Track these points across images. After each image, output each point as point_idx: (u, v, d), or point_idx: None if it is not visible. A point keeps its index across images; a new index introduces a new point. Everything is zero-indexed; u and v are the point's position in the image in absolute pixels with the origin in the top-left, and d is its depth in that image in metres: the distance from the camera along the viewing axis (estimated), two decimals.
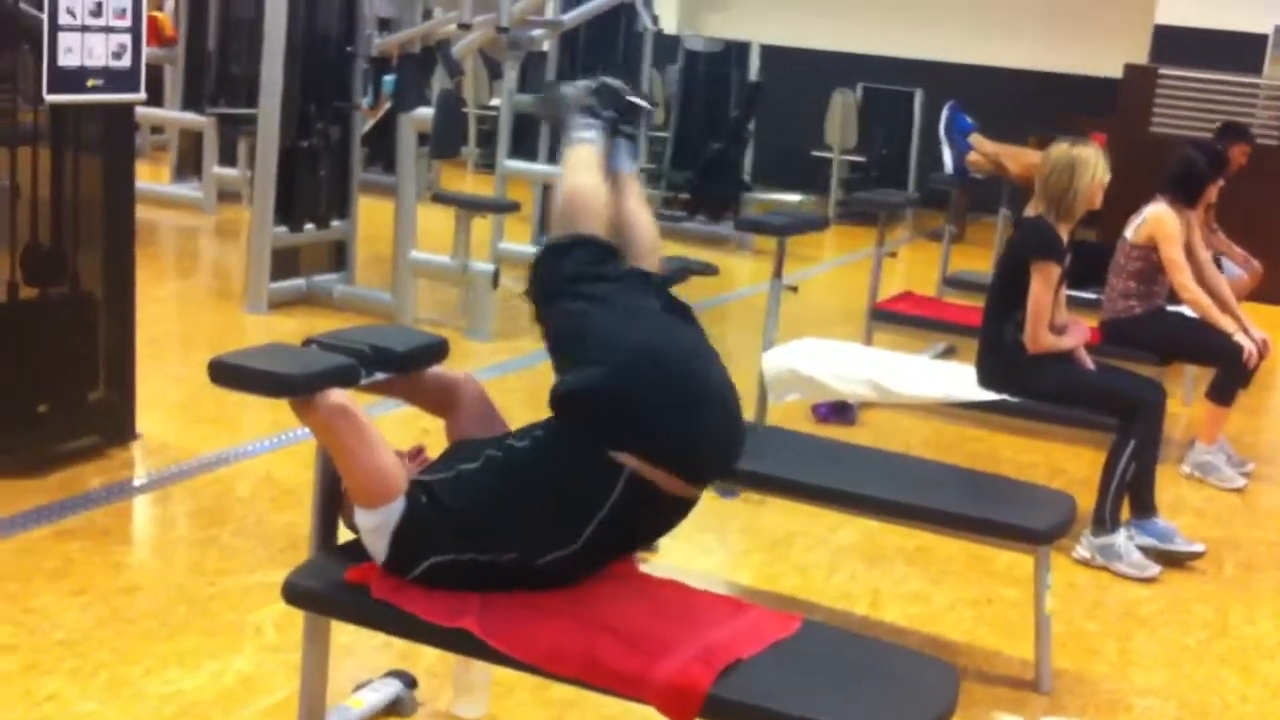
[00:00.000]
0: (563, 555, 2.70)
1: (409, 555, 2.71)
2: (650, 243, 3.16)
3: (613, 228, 3.07)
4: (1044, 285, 4.61)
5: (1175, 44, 11.44)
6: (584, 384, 2.71)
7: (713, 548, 4.55)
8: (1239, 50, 11.25)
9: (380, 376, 2.94)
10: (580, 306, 2.82)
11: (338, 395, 2.72)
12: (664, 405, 2.69)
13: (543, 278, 2.96)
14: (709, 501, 4.80)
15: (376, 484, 2.72)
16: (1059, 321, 4.79)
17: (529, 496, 2.69)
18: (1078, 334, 4.81)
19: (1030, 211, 4.77)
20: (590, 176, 3.08)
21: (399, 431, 3.36)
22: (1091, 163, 4.60)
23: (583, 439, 2.67)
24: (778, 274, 5.24)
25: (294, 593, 2.81)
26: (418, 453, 2.91)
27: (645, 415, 2.68)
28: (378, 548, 2.73)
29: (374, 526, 2.72)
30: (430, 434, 3.02)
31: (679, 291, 3.09)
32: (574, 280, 2.88)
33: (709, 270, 4.76)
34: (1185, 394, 6.88)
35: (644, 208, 3.25)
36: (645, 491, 2.68)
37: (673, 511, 2.83)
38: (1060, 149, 4.64)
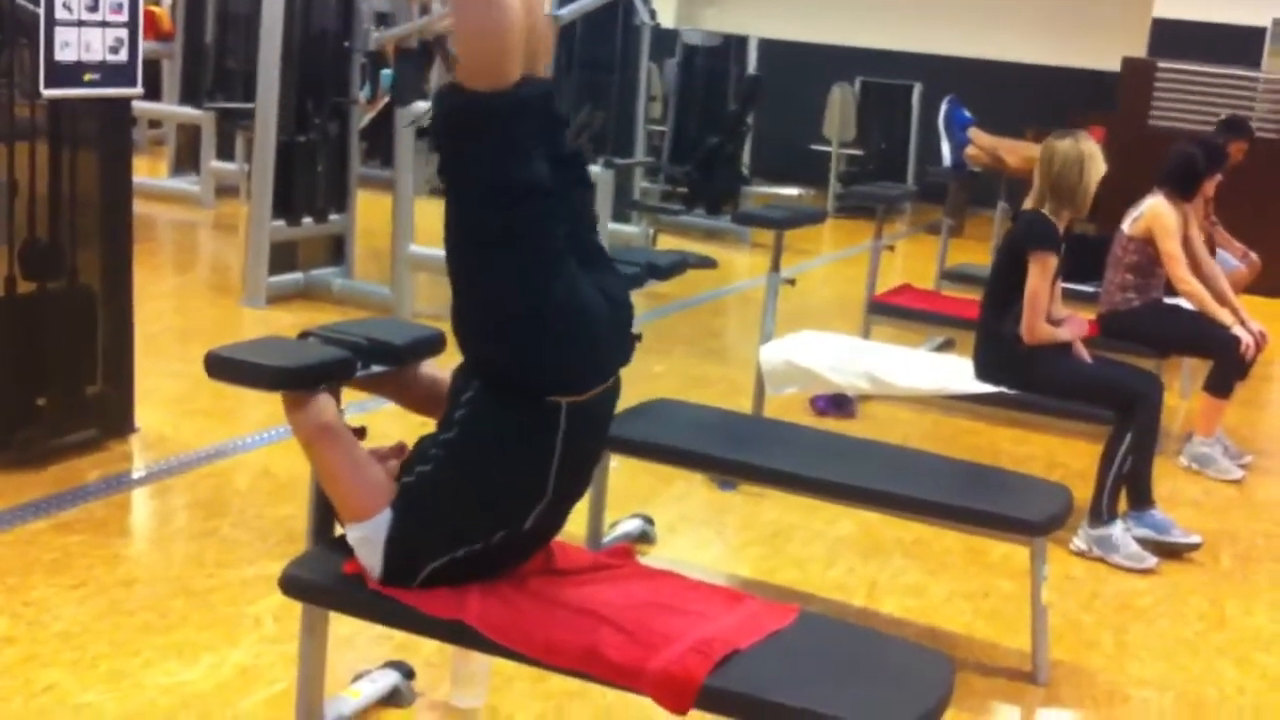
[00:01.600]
0: (543, 508, 2.71)
1: (405, 566, 2.71)
2: (548, 42, 2.82)
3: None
4: (1041, 276, 4.62)
5: (1173, 37, 11.44)
6: (507, 349, 2.63)
7: (711, 540, 4.56)
8: (1237, 43, 11.24)
9: (377, 369, 2.94)
10: (520, 229, 2.55)
11: (325, 413, 2.73)
12: (582, 353, 2.67)
13: (487, 148, 2.55)
14: (707, 494, 4.85)
15: (359, 500, 2.72)
16: (1055, 315, 4.79)
17: (489, 477, 2.66)
18: (1076, 327, 4.81)
19: (1028, 205, 4.78)
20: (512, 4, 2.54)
21: (395, 425, 3.36)
22: (1099, 157, 4.64)
23: (510, 403, 2.64)
24: (775, 267, 5.25)
25: (291, 584, 2.81)
26: (401, 450, 2.90)
27: (566, 364, 2.66)
28: (372, 562, 2.72)
29: (365, 538, 2.72)
30: (427, 426, 3.02)
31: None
32: (524, 192, 2.55)
33: (707, 264, 4.77)
34: (1183, 386, 6.89)
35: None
36: (583, 412, 2.68)
37: (610, 402, 2.83)
38: (1065, 144, 4.63)
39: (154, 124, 11.73)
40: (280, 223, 7.18)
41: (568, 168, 2.70)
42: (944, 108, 7.56)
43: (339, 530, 2.91)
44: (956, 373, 5.00)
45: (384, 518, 2.70)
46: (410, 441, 2.87)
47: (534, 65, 2.68)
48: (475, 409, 2.66)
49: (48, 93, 4.36)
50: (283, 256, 7.27)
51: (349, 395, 2.88)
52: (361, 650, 3.42)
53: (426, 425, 2.87)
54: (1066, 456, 5.65)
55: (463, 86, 2.55)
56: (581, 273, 2.64)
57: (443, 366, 3.02)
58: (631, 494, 4.65)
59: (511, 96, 2.53)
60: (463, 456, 2.67)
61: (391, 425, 3.41)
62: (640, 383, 5.46)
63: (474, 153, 2.56)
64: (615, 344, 2.77)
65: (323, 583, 2.80)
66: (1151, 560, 4.58)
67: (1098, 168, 4.63)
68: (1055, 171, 4.64)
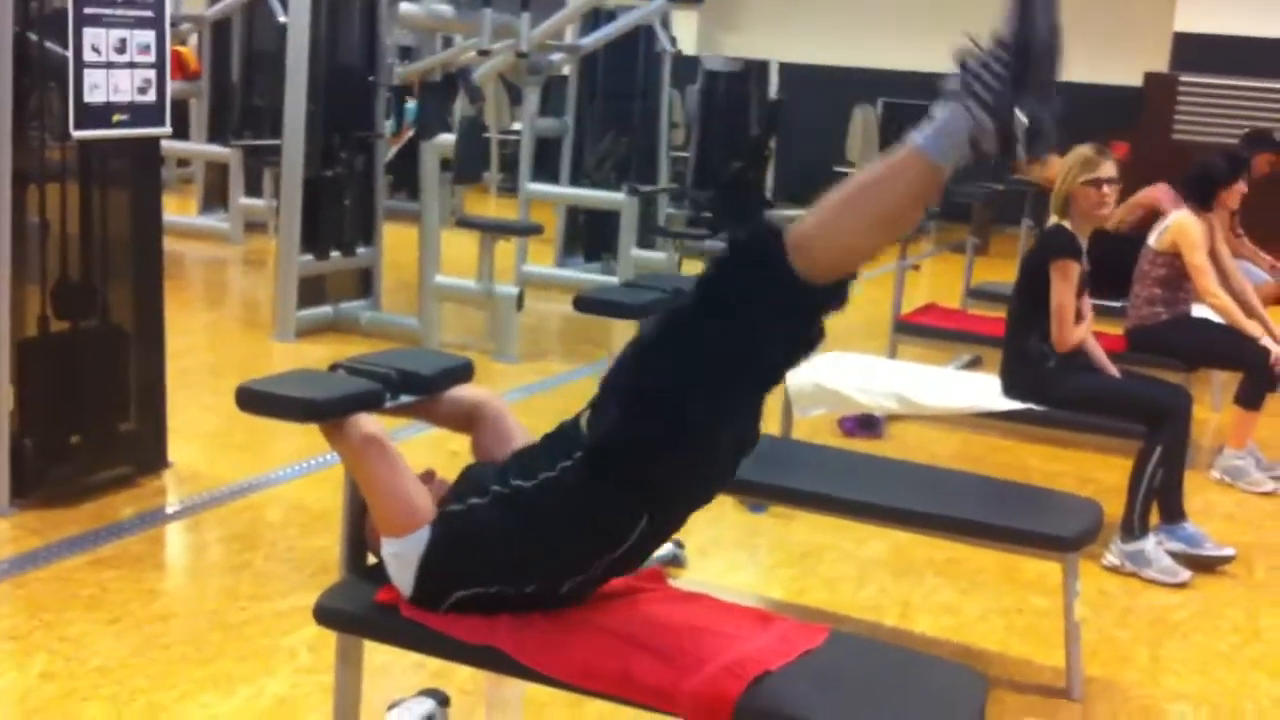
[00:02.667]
0: (582, 580, 2.71)
1: (435, 589, 2.72)
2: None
3: None
4: (1064, 283, 4.64)
5: (1195, 51, 11.43)
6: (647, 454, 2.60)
7: (742, 563, 4.57)
8: (1260, 56, 11.21)
9: (406, 399, 2.97)
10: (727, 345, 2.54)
11: (368, 424, 2.75)
12: (697, 489, 2.73)
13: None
14: (737, 516, 4.85)
15: (403, 513, 2.73)
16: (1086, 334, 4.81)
17: (545, 541, 2.66)
18: (1084, 309, 4.84)
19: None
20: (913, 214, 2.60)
21: (427, 454, 3.39)
22: (1069, 163, 4.74)
23: (602, 492, 2.62)
24: None
25: (325, 614, 2.84)
26: (430, 477, 2.92)
27: (681, 485, 2.68)
28: (404, 579, 2.73)
29: (399, 555, 2.73)
30: (459, 455, 3.04)
31: None
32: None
33: None
34: (1214, 399, 6.86)
35: None
36: (664, 522, 2.72)
37: (685, 519, 2.83)
38: (1070, 154, 4.78)
39: (182, 162, 11.84)
40: (308, 257, 7.23)
41: None
42: None
43: (371, 560, 2.93)
44: (984, 390, 4.99)
45: (422, 535, 2.71)
46: (440, 469, 2.90)
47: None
48: (565, 478, 2.64)
49: (77, 134, 4.42)
50: (311, 290, 7.33)
51: (387, 422, 2.90)
52: (396, 679, 3.44)
53: (458, 453, 2.89)
54: (1097, 472, 5.63)
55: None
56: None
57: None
58: None
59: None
60: (529, 512, 2.66)
61: (425, 454, 3.44)
62: None
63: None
64: (718, 485, 2.81)
65: (356, 612, 2.81)
66: (1185, 574, 4.56)
67: (1071, 171, 4.74)
68: (1062, 180, 4.73)
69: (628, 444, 2.58)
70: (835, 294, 2.47)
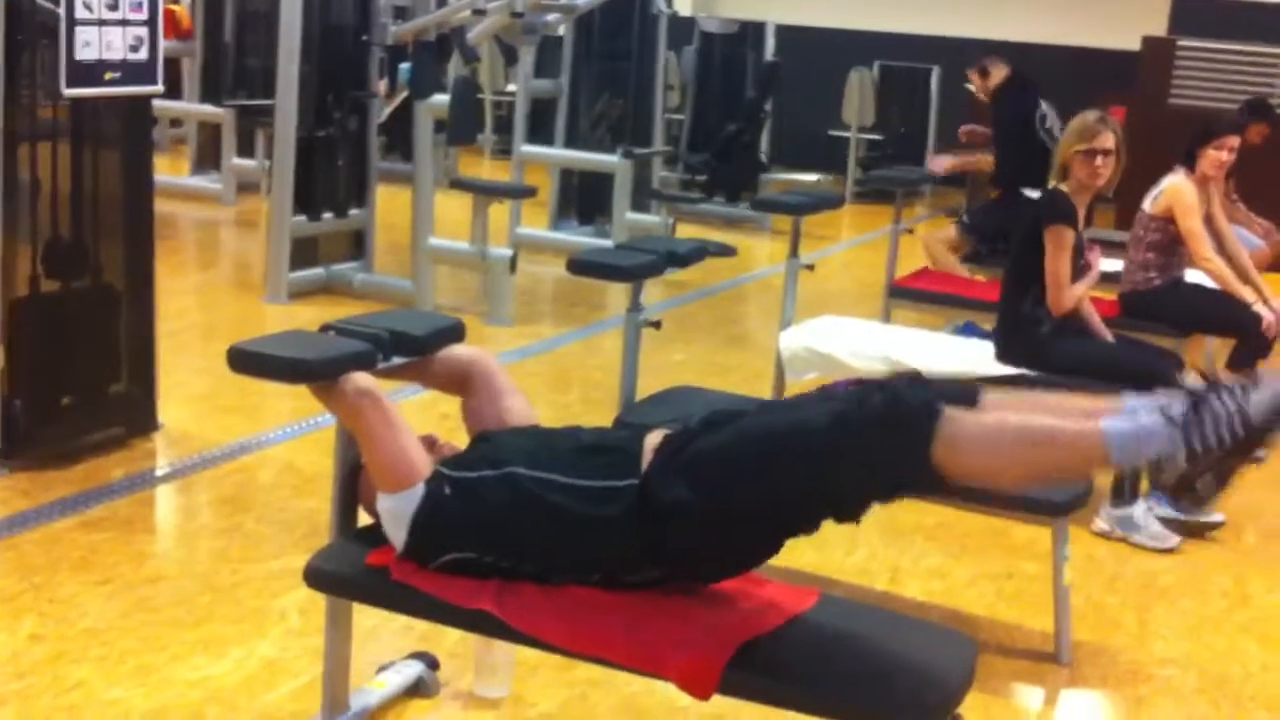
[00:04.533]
0: (578, 579, 2.69)
1: (428, 545, 2.72)
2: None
3: None
4: (1058, 249, 4.64)
5: (1194, 15, 11.36)
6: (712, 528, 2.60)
7: None
8: (1260, 20, 11.16)
9: (398, 361, 2.96)
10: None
11: (363, 379, 2.75)
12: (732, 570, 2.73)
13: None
14: None
15: (400, 468, 2.73)
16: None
17: (556, 541, 2.66)
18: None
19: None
20: None
21: (418, 417, 3.39)
22: (1073, 128, 4.73)
23: (635, 525, 2.59)
24: (794, 253, 5.26)
25: (315, 577, 2.84)
26: (431, 443, 2.92)
27: (711, 571, 2.71)
28: (397, 534, 2.74)
29: (394, 510, 2.73)
30: (450, 418, 3.04)
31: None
32: None
33: (727, 251, 4.79)
34: (1207, 365, 6.86)
35: None
36: (673, 579, 2.71)
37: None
38: (1074, 120, 4.75)
39: (175, 122, 11.77)
40: (301, 218, 7.21)
41: None
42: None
43: (362, 523, 2.93)
44: (977, 355, 4.99)
45: (417, 492, 2.71)
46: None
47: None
48: (599, 496, 2.62)
49: (69, 92, 4.39)
50: (304, 252, 7.30)
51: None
52: (386, 642, 3.44)
53: (449, 416, 2.88)
54: None
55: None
56: None
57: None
58: None
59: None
60: (546, 506, 2.64)
61: (415, 417, 3.43)
62: (661, 370, 5.48)
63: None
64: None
65: (346, 575, 2.82)
66: (1174, 539, 4.57)
67: (1072, 137, 4.75)
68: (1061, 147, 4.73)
69: (687, 524, 2.57)
70: (939, 486, 2.50)
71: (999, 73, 7.22)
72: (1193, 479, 2.42)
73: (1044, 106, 7.09)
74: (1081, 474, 2.40)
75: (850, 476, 2.48)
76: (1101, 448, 2.36)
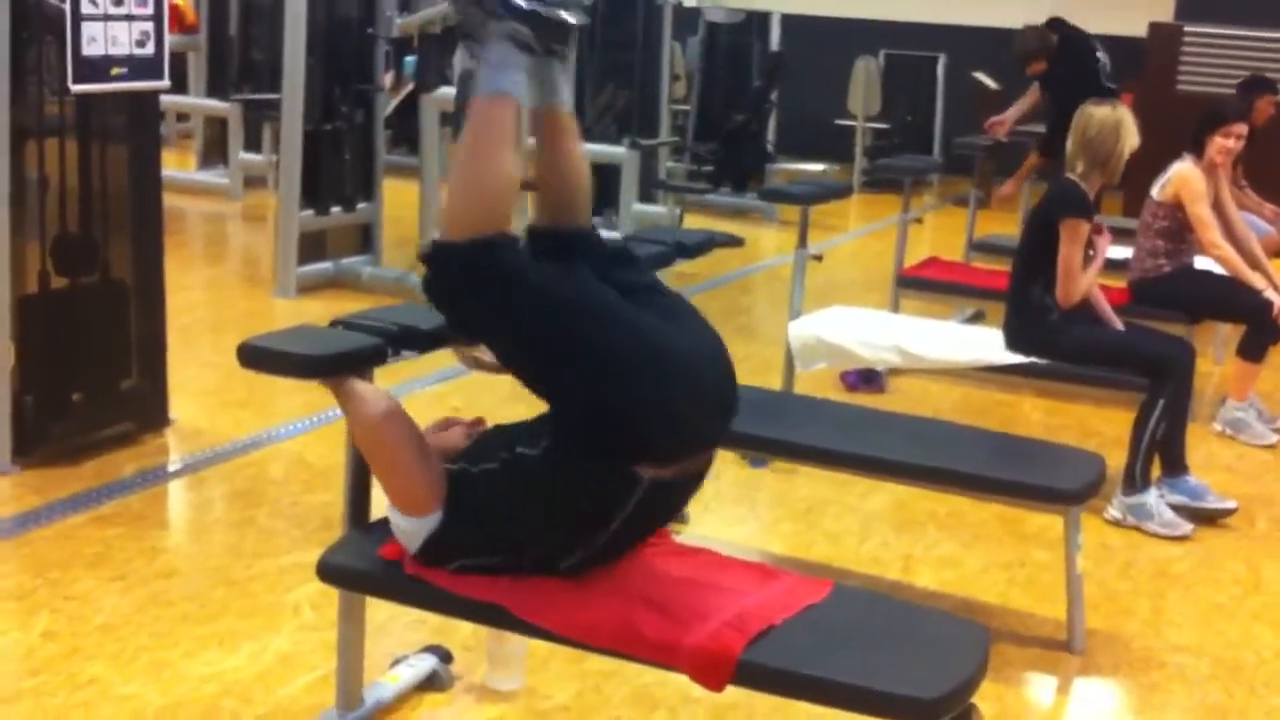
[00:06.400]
0: (587, 554, 2.69)
1: (440, 556, 2.72)
2: (586, 195, 2.90)
3: (553, 179, 2.84)
4: (1073, 243, 4.62)
5: (1200, 0, 11.32)
6: (586, 407, 2.54)
7: (744, 518, 4.57)
8: (1267, 5, 11.10)
9: (406, 355, 2.96)
10: (548, 306, 2.56)
11: (386, 402, 2.73)
12: (669, 412, 2.56)
13: (479, 274, 2.57)
14: (739, 471, 4.85)
15: (419, 493, 2.71)
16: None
17: (549, 508, 2.63)
18: (1101, 243, 4.79)
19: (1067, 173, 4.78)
20: (511, 158, 2.64)
21: (427, 409, 3.38)
22: (1134, 126, 4.64)
23: (594, 455, 2.55)
24: (802, 243, 5.25)
25: (328, 571, 2.84)
26: (479, 423, 2.90)
27: (652, 427, 2.55)
28: (409, 545, 2.75)
29: (408, 530, 2.73)
30: (459, 413, 3.04)
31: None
32: (522, 277, 2.58)
33: (734, 242, 4.78)
34: (1216, 352, 6.85)
35: (580, 150, 2.90)
36: (663, 487, 2.63)
37: (692, 486, 2.77)
38: (1103, 111, 4.66)
39: (181, 117, 11.77)
40: (309, 212, 7.21)
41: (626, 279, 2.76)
42: None
43: (375, 515, 2.93)
44: (986, 343, 4.98)
45: (435, 518, 2.70)
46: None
47: (574, 216, 2.83)
48: (565, 448, 2.58)
49: (76, 88, 4.39)
50: (312, 246, 7.30)
51: (387, 376, 2.90)
52: (399, 635, 3.45)
53: (459, 410, 2.88)
54: (1099, 425, 5.63)
55: (443, 243, 2.61)
56: (661, 324, 2.64)
57: None
58: None
59: (484, 239, 2.56)
60: (533, 481, 2.62)
61: (425, 409, 3.44)
62: None
63: (475, 309, 2.62)
64: (708, 400, 2.68)
65: (359, 568, 2.82)
66: (1186, 527, 4.57)
67: (1132, 136, 4.63)
68: (1090, 137, 4.64)
69: (576, 401, 2.56)
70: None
71: (1051, 43, 7.33)
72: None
73: (1100, 55, 7.19)
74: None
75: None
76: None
